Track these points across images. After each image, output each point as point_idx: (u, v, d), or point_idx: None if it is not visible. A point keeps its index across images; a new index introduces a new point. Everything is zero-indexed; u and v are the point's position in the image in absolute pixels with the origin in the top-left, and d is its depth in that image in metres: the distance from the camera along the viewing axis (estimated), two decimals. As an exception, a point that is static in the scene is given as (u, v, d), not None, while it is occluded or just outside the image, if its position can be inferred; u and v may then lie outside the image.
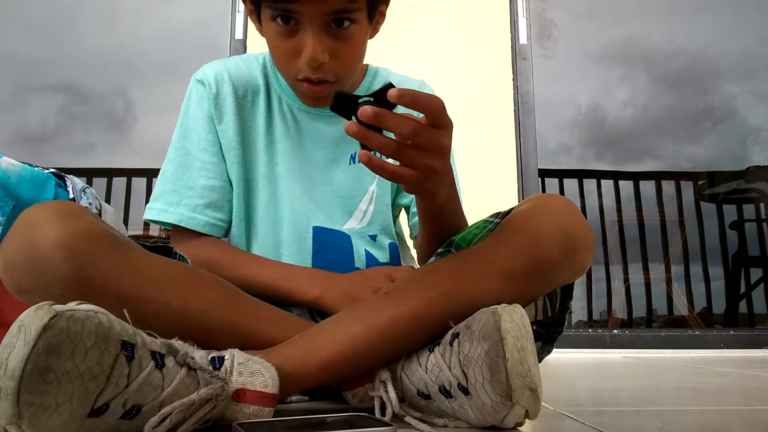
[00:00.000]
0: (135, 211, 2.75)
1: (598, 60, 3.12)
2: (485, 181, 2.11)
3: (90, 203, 1.11)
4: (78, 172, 2.14)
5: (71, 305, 0.50)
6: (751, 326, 2.78)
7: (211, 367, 0.57)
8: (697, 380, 1.25)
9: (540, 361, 0.70)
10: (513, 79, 2.27)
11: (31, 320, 0.47)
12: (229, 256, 0.87)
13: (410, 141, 0.60)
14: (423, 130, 0.60)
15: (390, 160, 0.61)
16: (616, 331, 2.22)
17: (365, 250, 0.91)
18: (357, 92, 0.92)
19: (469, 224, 0.80)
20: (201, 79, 0.91)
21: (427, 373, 0.63)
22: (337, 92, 0.61)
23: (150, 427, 0.51)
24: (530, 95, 2.27)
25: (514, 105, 2.26)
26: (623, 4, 3.00)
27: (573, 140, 3.18)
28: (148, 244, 0.69)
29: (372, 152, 0.59)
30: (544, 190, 2.53)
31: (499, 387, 0.56)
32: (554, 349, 0.78)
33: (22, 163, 1.04)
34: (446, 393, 0.61)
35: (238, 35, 2.25)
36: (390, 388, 0.64)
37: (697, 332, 2.38)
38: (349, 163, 0.93)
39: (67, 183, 1.09)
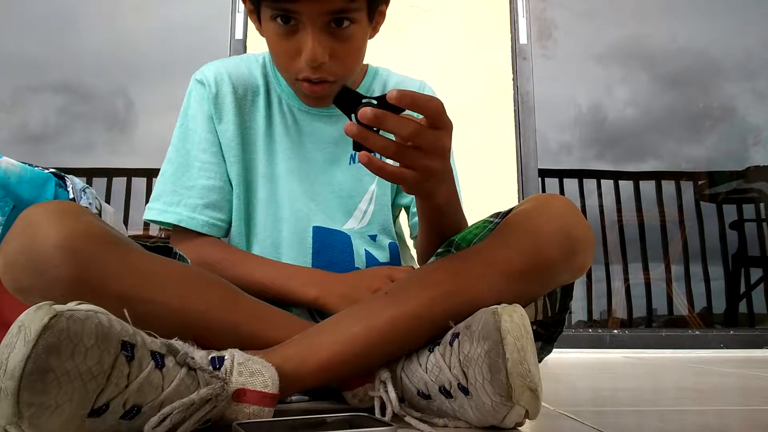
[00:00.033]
0: (135, 211, 2.75)
1: (599, 60, 3.12)
2: (485, 181, 2.11)
3: (90, 203, 1.11)
4: (78, 172, 2.14)
5: (71, 305, 0.50)
6: (751, 326, 2.78)
7: (211, 367, 0.57)
8: (697, 380, 1.25)
9: (540, 361, 0.70)
10: (513, 79, 2.27)
11: (31, 320, 0.47)
12: (229, 256, 0.87)
13: (410, 142, 0.60)
14: (423, 131, 0.60)
15: (390, 161, 0.61)
16: (616, 331, 2.22)
17: (365, 250, 0.91)
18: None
19: (469, 224, 0.80)
20: (201, 79, 0.91)
21: (427, 373, 0.63)
22: (343, 86, 0.61)
23: (150, 427, 0.51)
24: (530, 95, 2.27)
25: (514, 105, 2.25)
26: (623, 4, 3.00)
27: (573, 140, 3.18)
28: (148, 244, 0.69)
29: (372, 153, 0.59)
30: (544, 190, 2.53)
31: (499, 387, 0.56)
32: (554, 349, 0.78)
33: (22, 163, 1.04)
34: (446, 393, 0.61)
35: (238, 35, 2.25)
36: (390, 388, 0.64)
37: (697, 332, 2.38)
38: (349, 163, 0.93)
39: (67, 183, 1.09)
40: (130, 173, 2.84)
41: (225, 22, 2.27)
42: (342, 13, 0.77)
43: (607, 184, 3.03)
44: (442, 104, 0.61)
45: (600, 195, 3.01)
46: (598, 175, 3.05)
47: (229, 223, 0.91)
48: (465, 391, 0.59)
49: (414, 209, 0.95)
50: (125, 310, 0.55)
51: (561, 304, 0.75)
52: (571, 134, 3.15)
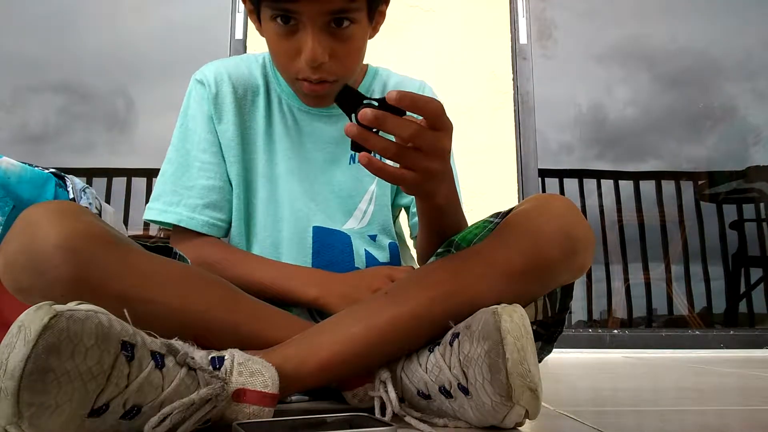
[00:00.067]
0: (135, 211, 2.75)
1: (599, 60, 3.12)
2: (485, 181, 2.11)
3: (90, 203, 1.11)
4: (78, 172, 2.14)
5: (71, 305, 0.50)
6: (751, 326, 2.78)
7: (211, 367, 0.57)
8: (697, 380, 1.25)
9: (540, 361, 0.70)
10: (513, 79, 2.27)
11: (31, 320, 0.47)
12: (228, 255, 0.87)
13: (410, 143, 0.60)
14: (423, 132, 0.60)
15: (390, 162, 0.61)
16: (616, 331, 2.22)
17: (365, 250, 0.91)
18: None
19: (469, 224, 0.80)
20: (200, 79, 0.91)
21: (427, 373, 0.63)
22: (345, 85, 0.61)
23: (150, 427, 0.51)
24: (530, 95, 2.27)
25: (514, 105, 2.25)
26: (623, 4, 3.00)
27: (573, 140, 3.18)
28: (148, 244, 0.69)
29: (372, 154, 0.59)
30: (544, 190, 2.53)
31: (499, 387, 0.56)
32: (554, 349, 0.78)
33: (22, 163, 1.04)
34: (446, 393, 0.61)
35: (238, 35, 2.25)
36: (390, 388, 0.64)
37: (697, 332, 2.38)
38: (349, 163, 0.93)
39: (67, 183, 1.09)
40: (130, 173, 2.85)
41: (225, 22, 2.27)
42: (342, 13, 0.77)
43: (607, 184, 3.03)
44: (441, 106, 0.61)
45: (600, 195, 3.01)
46: (598, 175, 3.05)
47: (229, 223, 0.91)
48: (465, 391, 0.59)
49: (414, 209, 0.95)
50: (125, 310, 0.55)
51: (561, 304, 0.75)
52: (571, 134, 3.15)
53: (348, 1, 0.77)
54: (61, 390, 0.46)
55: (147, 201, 0.90)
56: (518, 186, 2.21)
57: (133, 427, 0.51)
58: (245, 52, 2.21)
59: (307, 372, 0.63)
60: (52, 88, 3.01)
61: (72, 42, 2.90)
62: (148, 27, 2.87)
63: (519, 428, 0.60)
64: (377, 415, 0.63)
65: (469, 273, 0.66)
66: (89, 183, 2.73)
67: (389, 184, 0.95)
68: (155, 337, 0.56)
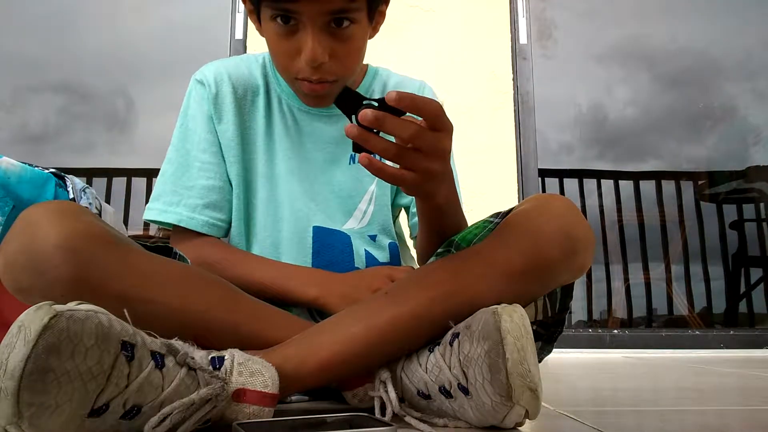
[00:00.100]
0: (135, 211, 2.75)
1: (599, 60, 3.12)
2: (485, 181, 2.11)
3: (90, 203, 1.11)
4: (78, 172, 2.14)
5: (71, 305, 0.50)
6: (751, 326, 2.78)
7: (211, 367, 0.57)
8: (697, 380, 1.25)
9: (540, 361, 0.70)
10: (513, 79, 2.27)
11: (31, 320, 0.47)
12: (228, 255, 0.87)
13: (410, 144, 0.60)
14: (423, 133, 0.60)
15: (390, 163, 0.61)
16: (616, 331, 2.22)
17: (365, 250, 0.91)
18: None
19: (469, 224, 0.80)
20: (200, 79, 0.91)
21: (427, 373, 0.63)
22: (344, 87, 0.61)
23: (150, 427, 0.51)
24: (530, 95, 2.27)
25: (514, 105, 2.25)
26: (623, 4, 3.00)
27: (573, 140, 3.18)
28: (148, 244, 0.69)
29: (372, 155, 0.59)
30: (544, 190, 2.53)
31: (499, 387, 0.56)
32: (554, 349, 0.78)
33: (22, 163, 1.04)
34: (446, 393, 0.61)
35: (238, 35, 2.25)
36: (390, 388, 0.64)
37: (697, 332, 2.38)
38: (349, 163, 0.93)
39: (67, 183, 1.09)
40: (130, 173, 2.85)
41: (225, 22, 2.27)
42: (342, 13, 0.77)
43: (607, 184, 3.03)
44: (441, 106, 0.61)
45: (600, 195, 3.01)
46: (598, 175, 3.05)
47: (229, 223, 0.91)
48: (465, 391, 0.59)
49: (414, 209, 0.95)
50: (125, 310, 0.55)
51: (561, 304, 0.75)
52: (571, 134, 3.15)
53: (348, 1, 0.77)
54: (61, 390, 0.46)
55: (147, 201, 0.90)
56: (518, 186, 2.21)
57: (133, 427, 0.51)
58: (245, 52, 2.21)
59: (307, 372, 0.63)
60: (52, 88, 3.01)
61: (72, 42, 2.90)
62: (148, 27, 2.87)
63: (519, 428, 0.60)
64: (377, 415, 0.63)
65: (469, 273, 0.66)
66: (89, 183, 2.73)
67: (389, 184, 0.95)
68: (155, 337, 0.56)
